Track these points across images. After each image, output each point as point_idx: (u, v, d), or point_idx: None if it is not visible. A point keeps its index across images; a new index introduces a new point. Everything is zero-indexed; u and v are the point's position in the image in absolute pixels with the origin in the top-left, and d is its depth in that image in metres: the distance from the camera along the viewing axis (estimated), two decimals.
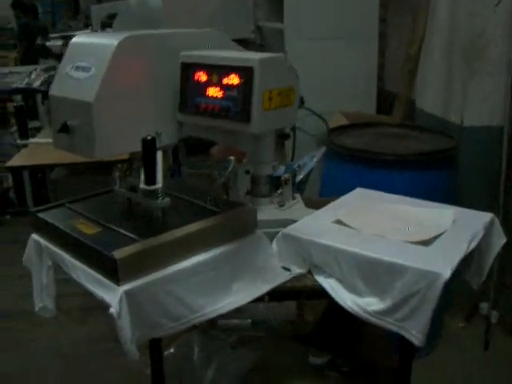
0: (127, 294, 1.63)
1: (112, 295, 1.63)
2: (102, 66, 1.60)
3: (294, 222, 1.92)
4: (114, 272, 1.64)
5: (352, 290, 1.65)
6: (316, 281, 1.76)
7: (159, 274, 1.72)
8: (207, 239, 1.85)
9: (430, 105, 3.63)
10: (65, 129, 1.72)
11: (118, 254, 1.65)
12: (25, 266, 2.09)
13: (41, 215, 1.96)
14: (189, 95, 1.71)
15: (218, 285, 1.72)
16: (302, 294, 2.06)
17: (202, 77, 1.70)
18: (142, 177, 1.62)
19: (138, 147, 1.79)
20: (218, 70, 1.65)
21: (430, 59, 3.48)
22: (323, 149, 3.52)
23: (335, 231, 1.82)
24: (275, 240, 1.87)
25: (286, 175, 2.08)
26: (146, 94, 1.73)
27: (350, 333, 2.41)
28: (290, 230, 1.87)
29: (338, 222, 1.91)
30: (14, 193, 5.01)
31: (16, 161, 3.63)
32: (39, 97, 5.04)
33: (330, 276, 1.71)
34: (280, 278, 1.79)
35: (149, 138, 1.49)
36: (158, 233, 1.76)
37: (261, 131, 1.71)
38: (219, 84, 1.66)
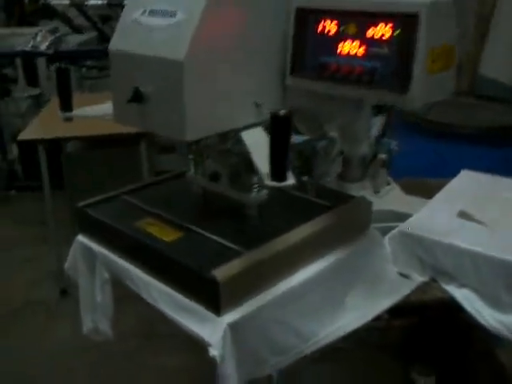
0: (232, 327, 1.14)
1: (211, 330, 1.14)
2: (194, 11, 1.07)
3: (401, 214, 1.54)
4: (214, 298, 1.15)
5: (493, 303, 1.30)
6: (445, 291, 1.39)
7: (266, 297, 1.24)
8: (319, 246, 1.36)
9: (497, 71, 3.12)
10: (137, 97, 1.18)
11: (220, 273, 1.15)
12: (69, 274, 1.56)
13: (93, 213, 1.43)
14: (308, 53, 1.20)
15: (330, 303, 1.37)
16: (428, 308, 1.58)
17: (330, 27, 1.16)
18: (262, 169, 1.10)
19: (234, 124, 1.28)
20: (357, 18, 1.12)
21: (505, 19, 2.96)
22: (380, 118, 2.95)
23: (464, 228, 1.45)
24: (387, 240, 1.48)
25: (383, 155, 1.70)
26: (246, 53, 1.18)
27: (454, 343, 1.93)
28: (408, 227, 1.47)
29: (463, 215, 1.53)
30: (20, 164, 4.43)
31: (27, 134, 3.06)
32: (41, 61, 4.44)
33: (463, 285, 1.35)
34: (402, 288, 1.43)
35: (282, 112, 0.96)
36: (262, 240, 1.24)
37: (420, 103, 1.19)
38: (360, 37, 1.13)
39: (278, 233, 1.29)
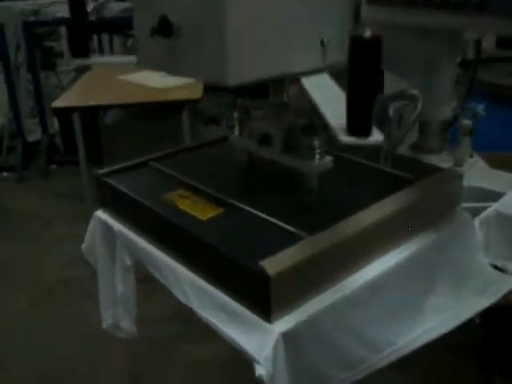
0: (286, 337, 0.84)
1: (258, 341, 0.84)
2: None
3: (491, 192, 1.25)
4: (263, 299, 0.83)
5: None
6: None
7: (330, 297, 0.93)
8: (398, 230, 1.02)
9: None
10: (165, 28, 0.86)
11: (272, 265, 0.82)
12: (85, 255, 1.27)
13: (113, 181, 1.12)
14: None
15: (410, 304, 1.07)
16: None
17: None
18: (334, 122, 0.76)
19: (292, 67, 0.95)
20: None
21: None
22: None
23: None
24: (478, 223, 1.18)
25: (467, 122, 1.39)
26: None
27: None
28: (506, 207, 1.16)
29: None
30: (61, 138, 4.20)
31: (63, 101, 2.79)
32: None
33: None
34: (498, 285, 1.14)
35: (367, 35, 0.62)
36: (325, 222, 0.91)
37: None
38: None
39: (346, 212, 0.95)
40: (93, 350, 2.51)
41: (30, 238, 3.57)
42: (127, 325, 1.19)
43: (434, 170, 1.16)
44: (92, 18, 3.67)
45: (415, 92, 1.26)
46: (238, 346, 0.87)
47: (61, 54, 5.22)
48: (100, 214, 1.20)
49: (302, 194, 1.06)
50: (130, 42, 4.76)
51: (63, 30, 4.41)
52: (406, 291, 1.04)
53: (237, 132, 1.17)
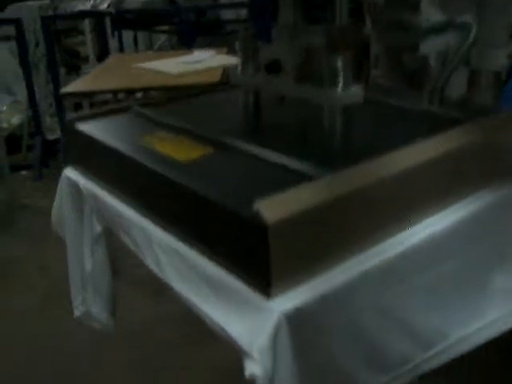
0: (290, 321, 0.52)
1: (251, 325, 0.53)
2: None
3: None
4: (257, 261, 0.53)
5: None
6: None
7: (354, 267, 0.61)
8: (450, 179, 0.71)
9: None
10: None
11: (270, 211, 0.53)
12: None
13: (84, 127, 0.86)
14: None
15: (467, 283, 0.76)
16: None
17: None
18: None
19: None
20: None
21: None
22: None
23: None
24: None
25: None
26: None
27: None
28: None
29: None
30: None
31: (71, 87, 2.55)
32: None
33: None
34: None
35: None
36: (350, 160, 0.61)
37: None
38: None
39: (377, 152, 0.66)
40: (101, 349, 2.22)
41: (48, 236, 3.36)
42: (98, 311, 0.91)
43: (491, 109, 0.87)
44: (112, 9, 3.46)
45: (467, 18, 0.97)
46: (224, 331, 0.59)
47: (86, 58, 5.06)
48: (68, 172, 0.94)
49: (320, 135, 0.78)
50: (160, 40, 4.50)
51: (84, 25, 4.21)
52: (463, 266, 0.75)
53: (240, 66, 0.90)
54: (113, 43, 4.40)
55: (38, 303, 2.54)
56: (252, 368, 0.54)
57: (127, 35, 4.49)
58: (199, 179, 0.65)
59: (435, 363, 0.72)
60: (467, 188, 0.76)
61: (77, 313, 0.97)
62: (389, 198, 0.65)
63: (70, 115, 0.94)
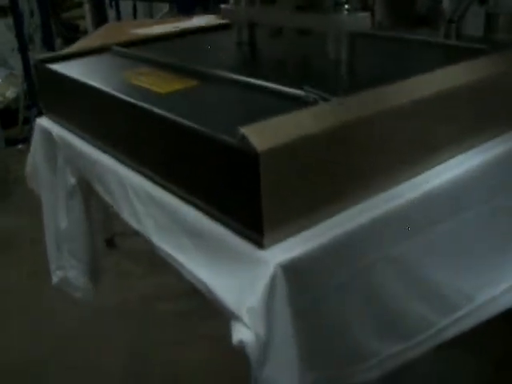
0: (289, 274, 0.40)
1: (240, 280, 0.41)
2: None
3: None
4: (246, 200, 0.41)
5: None
6: None
7: (366, 212, 0.48)
8: (475, 114, 0.58)
9: None
10: None
11: (261, 136, 0.41)
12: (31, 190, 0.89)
13: (57, 67, 0.74)
14: None
15: (493, 238, 0.64)
16: None
17: None
18: None
19: None
20: None
21: None
22: None
23: None
24: None
25: None
26: None
27: None
28: None
29: None
30: None
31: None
32: None
33: None
34: None
35: None
36: (357, 87, 0.50)
37: None
38: None
39: (389, 79, 0.55)
40: (95, 328, 2.12)
41: (41, 209, 3.27)
42: (75, 276, 0.81)
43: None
44: None
45: None
46: (209, 291, 0.48)
47: (86, 32, 4.91)
48: (41, 120, 0.83)
49: (323, 67, 0.66)
50: (161, 11, 4.34)
51: None
52: (489, 217, 0.64)
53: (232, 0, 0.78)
54: (111, 14, 4.24)
55: (27, 277, 2.44)
56: (241, 334, 0.43)
57: (126, 5, 4.34)
58: (179, 109, 0.54)
59: (458, 329, 0.62)
60: (494, 128, 0.64)
61: (54, 279, 0.87)
62: (405, 131, 0.54)
63: (42, 54, 0.82)
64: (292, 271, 0.45)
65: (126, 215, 0.61)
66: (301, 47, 0.75)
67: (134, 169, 0.61)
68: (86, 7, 4.19)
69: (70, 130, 0.75)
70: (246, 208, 0.46)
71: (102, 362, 1.80)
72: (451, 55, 0.71)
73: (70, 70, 0.74)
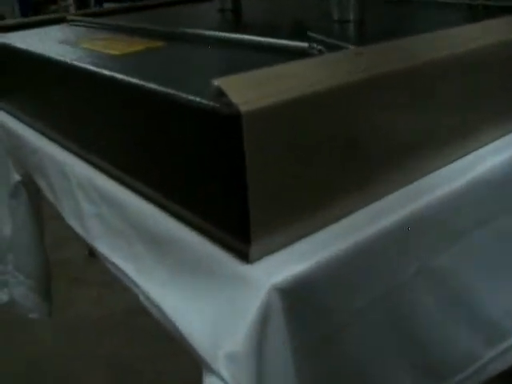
0: (286, 298, 0.23)
1: (218, 316, 0.24)
2: None
3: None
4: (227, 194, 0.25)
5: None
6: None
7: (383, 217, 0.33)
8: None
9: None
10: None
11: (242, 92, 0.24)
12: None
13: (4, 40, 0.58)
14: None
15: None
16: None
17: None
18: None
19: None
20: None
21: None
22: None
23: None
24: None
25: None
26: None
27: None
28: None
29: None
30: None
31: None
32: None
33: None
34: None
35: None
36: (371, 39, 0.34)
37: None
38: None
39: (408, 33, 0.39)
40: (76, 342, 1.94)
41: None
42: (23, 294, 0.64)
43: None
44: None
45: None
46: (170, 323, 0.32)
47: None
48: None
49: (326, 27, 0.51)
50: None
51: None
52: None
53: None
54: None
55: None
56: None
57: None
58: (136, 70, 0.38)
59: (507, 362, 0.46)
60: None
61: (3, 297, 0.70)
62: (445, 96, 0.38)
63: None
64: (293, 295, 0.30)
65: (68, 215, 0.45)
66: (297, 10, 0.60)
67: (79, 156, 0.45)
68: (70, 9, 4.03)
69: (11, 114, 0.60)
70: (223, 203, 0.30)
71: (84, 378, 1.63)
72: (483, 14, 0.56)
73: (11, 39, 0.59)
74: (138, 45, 0.46)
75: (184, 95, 0.30)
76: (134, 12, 0.72)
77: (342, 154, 0.33)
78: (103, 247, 0.41)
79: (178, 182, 0.34)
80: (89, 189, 0.43)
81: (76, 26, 0.65)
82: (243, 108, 0.27)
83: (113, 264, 0.40)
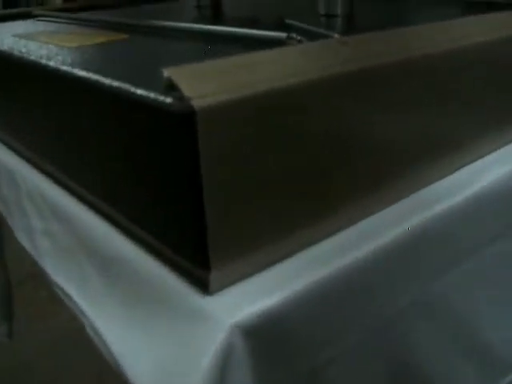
0: (253, 339, 0.18)
1: (166, 356, 0.19)
2: None
3: None
4: (179, 207, 0.19)
5: None
6: None
7: (393, 226, 0.26)
8: None
9: None
10: None
11: (198, 85, 0.19)
12: None
13: None
14: None
15: None
16: None
17: None
18: None
19: None
20: None
21: None
22: None
23: None
24: None
25: None
26: None
27: None
28: None
29: None
30: None
31: None
32: None
33: None
34: None
35: None
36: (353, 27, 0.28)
37: None
38: None
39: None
40: (57, 356, 1.86)
41: None
42: None
43: None
44: None
45: None
46: (116, 363, 0.27)
47: None
48: None
49: (312, 21, 0.45)
50: None
51: None
52: None
53: None
54: None
55: None
56: None
57: None
58: (88, 63, 0.33)
59: None
60: None
61: None
62: (451, 92, 0.33)
63: None
64: (259, 334, 0.24)
65: (17, 229, 0.39)
66: (282, 6, 0.55)
67: (30, 162, 0.39)
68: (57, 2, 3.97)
69: None
70: (176, 220, 0.24)
71: None
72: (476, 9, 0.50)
73: None
74: (100, 38, 0.41)
75: (129, 88, 0.24)
76: (110, 8, 0.66)
77: (323, 160, 0.27)
78: (50, 267, 0.35)
79: (128, 195, 0.28)
80: (39, 201, 0.37)
81: (44, 21, 0.59)
82: (198, 103, 0.21)
83: (59, 287, 0.34)
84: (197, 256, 0.24)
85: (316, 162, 0.26)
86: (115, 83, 0.25)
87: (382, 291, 0.29)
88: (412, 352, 0.33)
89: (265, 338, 0.24)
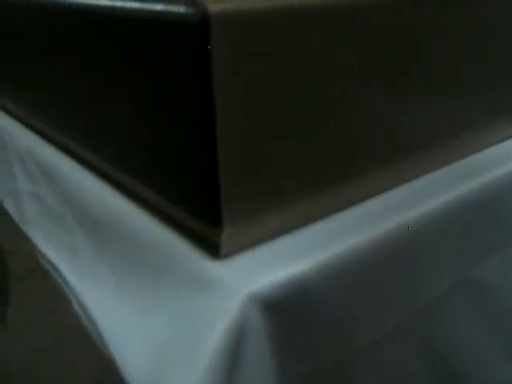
0: (270, 312, 0.13)
1: (167, 328, 0.14)
2: None
3: None
4: (188, 141, 0.14)
5: None
6: None
7: (434, 196, 0.20)
8: None
9: None
10: None
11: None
12: None
13: None
14: None
15: None
16: None
17: None
18: None
19: None
20: None
21: None
22: None
23: None
24: None
25: None
26: None
27: None
28: None
29: None
30: None
31: None
32: None
33: None
34: None
35: None
36: None
37: None
38: None
39: None
40: (58, 353, 1.81)
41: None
42: None
43: None
44: None
45: None
46: (103, 344, 0.22)
47: None
48: None
49: None
50: None
51: None
52: None
53: None
54: None
55: None
56: None
57: None
58: None
59: None
60: None
61: None
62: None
63: None
64: (280, 309, 0.19)
65: (2, 192, 0.34)
66: None
67: (20, 120, 0.35)
68: None
69: None
70: (183, 168, 0.20)
71: None
72: None
73: None
74: None
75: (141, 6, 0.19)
76: None
77: (353, 88, 0.22)
78: (38, 235, 0.30)
79: (128, 144, 0.23)
80: (27, 159, 0.32)
81: None
82: (213, 8, 0.16)
83: (46, 258, 0.29)
84: (206, 211, 0.19)
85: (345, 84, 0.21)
86: (127, 3, 0.21)
87: (431, 265, 0.24)
88: (447, 341, 0.28)
89: (287, 314, 0.19)
